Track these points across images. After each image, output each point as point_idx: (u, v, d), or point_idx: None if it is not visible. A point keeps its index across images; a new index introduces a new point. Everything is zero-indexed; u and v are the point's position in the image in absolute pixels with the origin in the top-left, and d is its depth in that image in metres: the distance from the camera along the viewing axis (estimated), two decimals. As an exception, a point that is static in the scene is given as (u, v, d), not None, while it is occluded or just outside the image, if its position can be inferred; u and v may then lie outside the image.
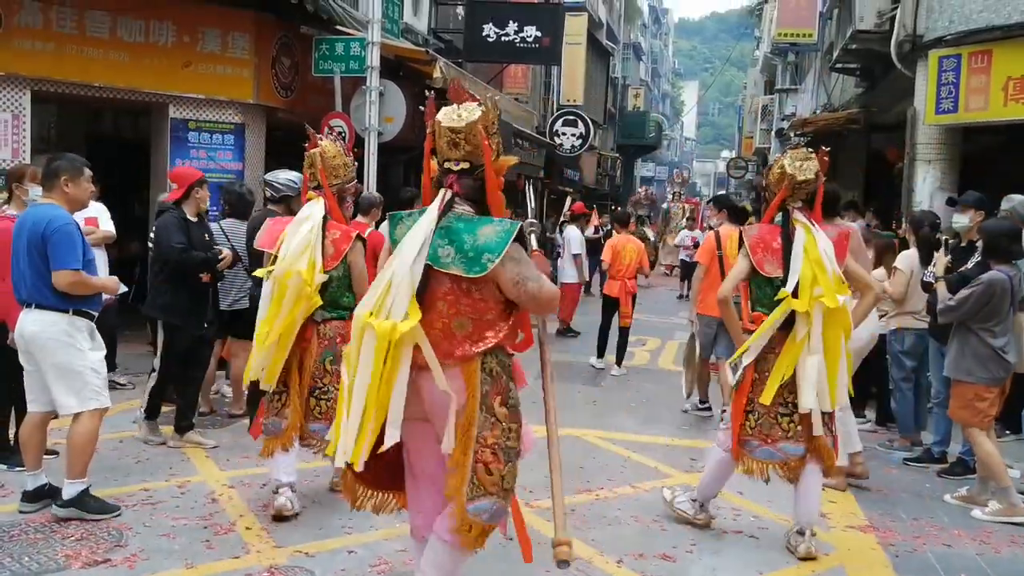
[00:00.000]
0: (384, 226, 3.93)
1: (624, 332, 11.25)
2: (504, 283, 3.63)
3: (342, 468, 3.85)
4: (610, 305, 11.38)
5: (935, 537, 5.65)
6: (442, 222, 3.68)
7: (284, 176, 6.81)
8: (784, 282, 5.12)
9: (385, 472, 3.95)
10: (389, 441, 3.64)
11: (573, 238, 14.76)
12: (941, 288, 6.45)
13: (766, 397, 5.12)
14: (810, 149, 5.42)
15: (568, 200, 19.81)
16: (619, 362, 11.24)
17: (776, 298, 5.12)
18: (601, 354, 11.56)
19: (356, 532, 5.19)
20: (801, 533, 5.19)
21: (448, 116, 3.71)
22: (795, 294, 5.05)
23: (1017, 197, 7.33)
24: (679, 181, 43.04)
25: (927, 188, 10.64)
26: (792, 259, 5.11)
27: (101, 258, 8.12)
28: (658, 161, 63.80)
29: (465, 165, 3.72)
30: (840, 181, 13.05)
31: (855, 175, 15.68)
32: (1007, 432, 7.73)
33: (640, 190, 44.56)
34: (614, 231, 12.73)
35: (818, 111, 19.76)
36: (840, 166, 16.70)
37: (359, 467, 3.69)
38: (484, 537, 3.74)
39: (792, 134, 21.20)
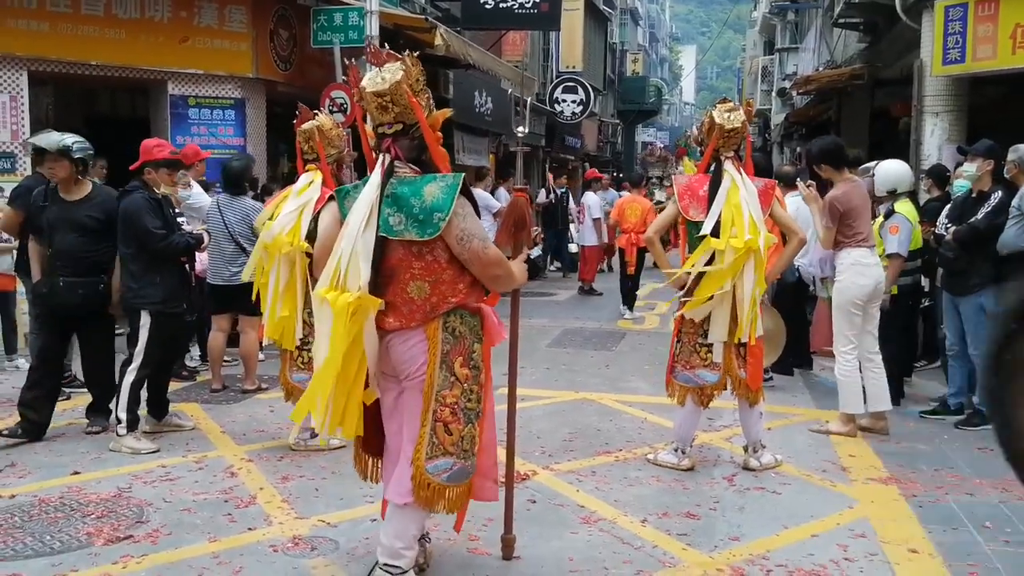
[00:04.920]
0: (333, 203, 3.90)
1: (628, 279, 12.62)
2: (451, 239, 3.64)
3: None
4: (621, 258, 12.79)
5: (957, 487, 5.61)
6: (387, 189, 3.69)
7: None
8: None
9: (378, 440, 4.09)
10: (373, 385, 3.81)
11: (593, 203, 14.99)
12: None
13: (691, 309, 5.56)
14: (737, 102, 5.92)
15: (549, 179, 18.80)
16: (630, 306, 12.60)
17: (697, 235, 5.55)
18: (627, 303, 12.77)
19: (378, 501, 5.10)
20: (745, 449, 5.92)
21: (372, 81, 3.73)
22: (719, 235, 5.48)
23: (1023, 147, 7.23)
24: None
25: (935, 141, 10.56)
26: (714, 203, 5.52)
27: None
28: (658, 126, 63.44)
29: (398, 127, 3.76)
30: (845, 138, 12.91)
31: (860, 131, 15.56)
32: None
33: (650, 146, 44.02)
34: (624, 191, 14.08)
35: (820, 68, 19.58)
36: (844, 122, 16.61)
37: (352, 435, 3.89)
38: (441, 498, 3.76)
39: (795, 93, 21.05)
